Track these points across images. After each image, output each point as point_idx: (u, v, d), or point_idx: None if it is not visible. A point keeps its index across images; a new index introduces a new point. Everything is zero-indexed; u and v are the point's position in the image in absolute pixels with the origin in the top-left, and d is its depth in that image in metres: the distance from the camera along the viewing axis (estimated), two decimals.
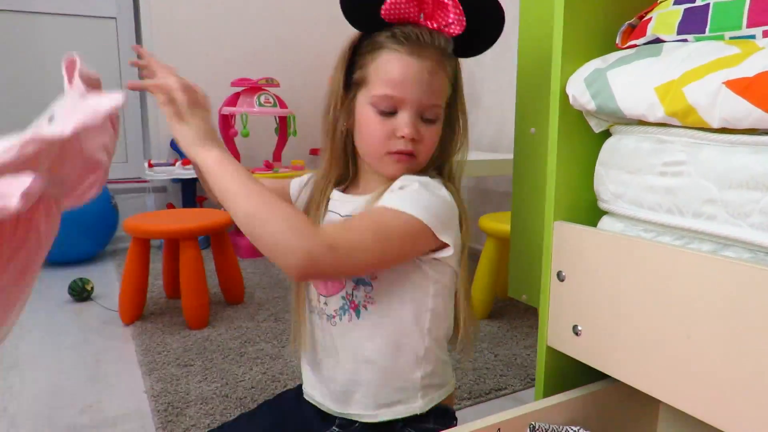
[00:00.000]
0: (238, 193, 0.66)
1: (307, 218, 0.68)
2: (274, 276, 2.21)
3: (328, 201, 0.82)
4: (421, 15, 0.74)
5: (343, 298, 0.78)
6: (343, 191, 0.84)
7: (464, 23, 0.73)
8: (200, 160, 0.69)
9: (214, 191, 0.69)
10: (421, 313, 0.78)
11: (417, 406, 0.80)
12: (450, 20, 0.73)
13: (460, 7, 0.72)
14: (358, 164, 0.84)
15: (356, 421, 0.80)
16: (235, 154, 2.64)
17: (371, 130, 0.76)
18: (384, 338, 0.77)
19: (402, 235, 0.69)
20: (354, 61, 0.78)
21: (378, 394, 0.79)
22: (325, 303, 0.80)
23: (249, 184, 0.66)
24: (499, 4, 0.76)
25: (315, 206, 0.82)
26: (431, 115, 0.77)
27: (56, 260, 2.37)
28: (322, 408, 0.83)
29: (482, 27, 0.76)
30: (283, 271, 0.64)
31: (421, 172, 0.79)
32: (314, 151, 3.14)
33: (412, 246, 0.72)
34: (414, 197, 0.71)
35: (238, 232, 2.61)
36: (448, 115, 0.81)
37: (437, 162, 0.82)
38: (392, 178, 0.77)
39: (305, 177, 0.91)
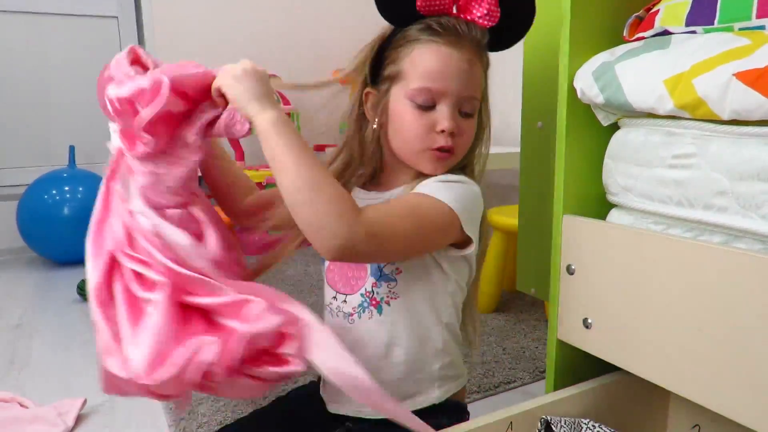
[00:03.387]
0: (289, 163, 0.63)
1: (353, 201, 0.66)
2: (281, 272, 2.21)
3: None
4: (455, 7, 0.73)
5: (362, 295, 0.78)
6: (365, 188, 0.83)
7: (498, 15, 0.72)
8: (255, 121, 0.67)
9: (266, 155, 0.66)
10: (440, 307, 0.79)
11: (434, 396, 0.80)
12: (484, 12, 0.72)
13: None
14: (384, 161, 0.82)
15: (369, 418, 0.81)
16: (240, 152, 2.64)
17: (409, 125, 0.74)
18: (407, 333, 0.78)
19: (437, 224, 0.70)
20: (382, 56, 0.76)
21: (398, 388, 0.79)
22: (344, 301, 0.80)
23: (302, 155, 0.64)
24: None
25: None
26: (469, 109, 0.75)
27: (64, 260, 2.38)
28: (331, 409, 0.83)
29: (514, 20, 0.75)
30: (317, 249, 0.64)
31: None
32: (318, 147, 3.14)
33: (443, 236, 0.73)
34: (452, 187, 0.73)
35: (244, 229, 2.62)
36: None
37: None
38: (431, 175, 0.77)
39: None
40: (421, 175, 0.78)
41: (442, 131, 0.73)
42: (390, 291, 0.77)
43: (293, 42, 3.09)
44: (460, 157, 0.78)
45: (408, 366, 0.79)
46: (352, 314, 0.79)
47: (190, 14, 2.82)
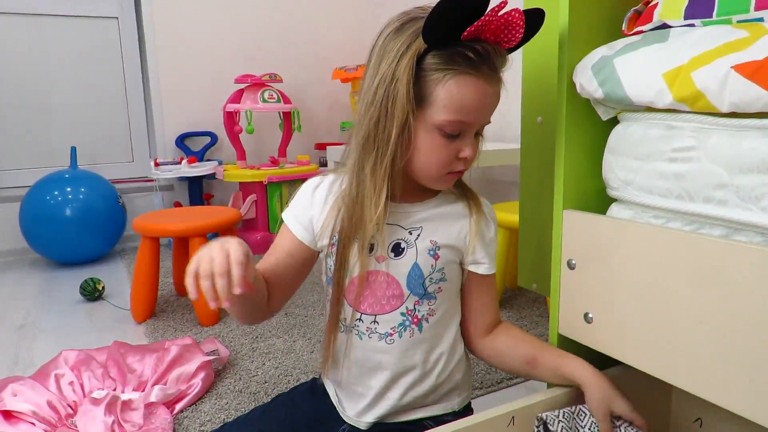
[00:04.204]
0: None
1: None
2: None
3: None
4: (492, 33, 0.69)
5: (403, 314, 0.79)
6: (392, 200, 0.78)
7: (520, 38, 0.71)
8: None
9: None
10: (460, 317, 0.86)
11: (455, 403, 0.85)
12: (518, 37, 0.70)
13: (524, 25, 0.69)
14: (394, 175, 0.75)
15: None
16: (241, 152, 2.64)
17: (436, 153, 0.73)
18: (442, 347, 0.82)
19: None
20: (415, 73, 0.70)
21: (428, 398, 0.83)
22: (375, 321, 0.79)
23: None
24: (544, 13, 0.74)
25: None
26: (482, 130, 0.77)
27: (67, 261, 2.39)
28: (350, 421, 0.84)
29: (529, 35, 0.74)
30: None
31: None
32: (319, 146, 3.14)
33: None
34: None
35: (246, 228, 2.62)
36: None
37: None
38: (440, 189, 0.82)
39: (316, 192, 0.83)
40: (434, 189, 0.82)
41: (465, 158, 0.75)
42: (429, 308, 0.80)
43: (293, 41, 3.09)
44: None
45: (441, 377, 0.82)
46: (391, 334, 0.79)
47: (189, 15, 2.82)
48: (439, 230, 0.80)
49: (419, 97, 0.71)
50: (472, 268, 0.83)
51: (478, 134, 0.77)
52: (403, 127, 0.71)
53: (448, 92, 0.69)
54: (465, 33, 0.67)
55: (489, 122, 0.76)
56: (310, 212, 0.81)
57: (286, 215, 0.83)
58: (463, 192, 0.85)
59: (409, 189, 0.79)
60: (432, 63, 0.69)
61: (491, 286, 0.87)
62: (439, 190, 0.82)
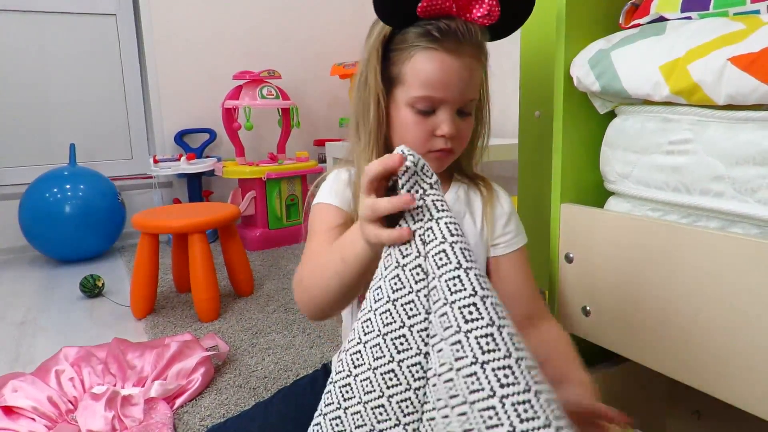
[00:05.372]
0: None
1: None
2: (282, 267, 2.22)
3: None
4: (454, 6, 0.70)
5: None
6: None
7: (498, 13, 0.70)
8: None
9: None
10: None
11: None
12: (485, 12, 0.70)
13: None
14: None
15: None
16: (240, 148, 2.64)
17: (410, 130, 0.74)
18: None
19: None
20: (386, 56, 0.74)
21: None
22: None
23: None
24: None
25: None
26: (468, 109, 0.75)
27: (66, 258, 2.39)
28: None
29: (513, 13, 0.73)
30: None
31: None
32: (318, 142, 3.14)
33: None
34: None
35: (245, 225, 2.62)
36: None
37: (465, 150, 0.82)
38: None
39: (334, 182, 0.81)
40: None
41: (443, 136, 0.73)
42: None
43: (292, 38, 3.08)
44: (459, 153, 0.79)
45: None
46: None
47: (188, 11, 2.82)
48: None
49: (391, 79, 0.73)
50: (492, 252, 0.79)
51: (466, 113, 0.75)
52: (378, 108, 0.73)
53: (413, 69, 0.71)
54: (419, 9, 0.68)
55: (471, 99, 0.74)
56: (336, 198, 0.79)
57: (321, 198, 0.80)
58: (472, 180, 0.84)
59: None
60: (397, 43, 0.72)
61: (517, 267, 0.78)
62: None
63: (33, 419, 1.06)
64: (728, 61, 0.60)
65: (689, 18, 0.72)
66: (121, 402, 1.11)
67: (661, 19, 0.75)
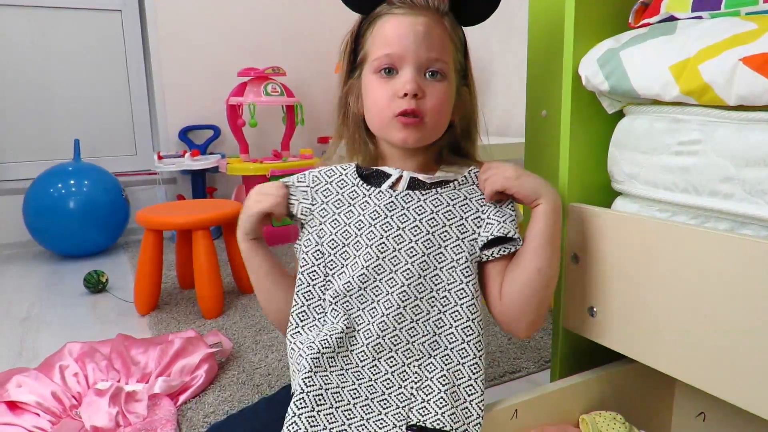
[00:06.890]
0: (557, 247, 0.76)
1: None
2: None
3: None
4: None
5: None
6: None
7: None
8: (545, 203, 0.75)
9: (545, 233, 0.75)
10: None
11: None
12: None
13: None
14: (378, 147, 0.83)
15: None
16: (244, 145, 2.64)
17: (374, 94, 0.76)
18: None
19: None
20: (357, 47, 0.80)
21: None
22: None
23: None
24: None
25: None
26: (436, 69, 0.74)
27: (70, 253, 2.40)
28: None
29: None
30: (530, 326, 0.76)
31: (450, 142, 0.82)
32: (322, 140, 3.14)
33: None
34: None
35: None
36: (463, 85, 0.81)
37: (462, 126, 0.83)
38: (402, 146, 0.77)
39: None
40: (426, 165, 0.79)
41: (405, 95, 0.73)
42: None
43: (297, 35, 3.08)
44: (435, 126, 0.76)
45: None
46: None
47: (193, 8, 2.81)
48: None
49: (362, 59, 0.79)
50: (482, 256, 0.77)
51: (435, 76, 0.74)
52: (351, 94, 0.82)
53: (373, 37, 0.76)
54: None
55: (436, 59, 0.74)
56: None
57: None
58: (463, 164, 0.83)
59: (397, 160, 0.81)
60: (363, 27, 0.79)
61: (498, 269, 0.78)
62: (400, 144, 0.76)
63: (37, 414, 1.06)
64: (740, 61, 0.59)
65: (700, 17, 0.71)
66: (125, 398, 1.11)
67: (672, 18, 0.74)
